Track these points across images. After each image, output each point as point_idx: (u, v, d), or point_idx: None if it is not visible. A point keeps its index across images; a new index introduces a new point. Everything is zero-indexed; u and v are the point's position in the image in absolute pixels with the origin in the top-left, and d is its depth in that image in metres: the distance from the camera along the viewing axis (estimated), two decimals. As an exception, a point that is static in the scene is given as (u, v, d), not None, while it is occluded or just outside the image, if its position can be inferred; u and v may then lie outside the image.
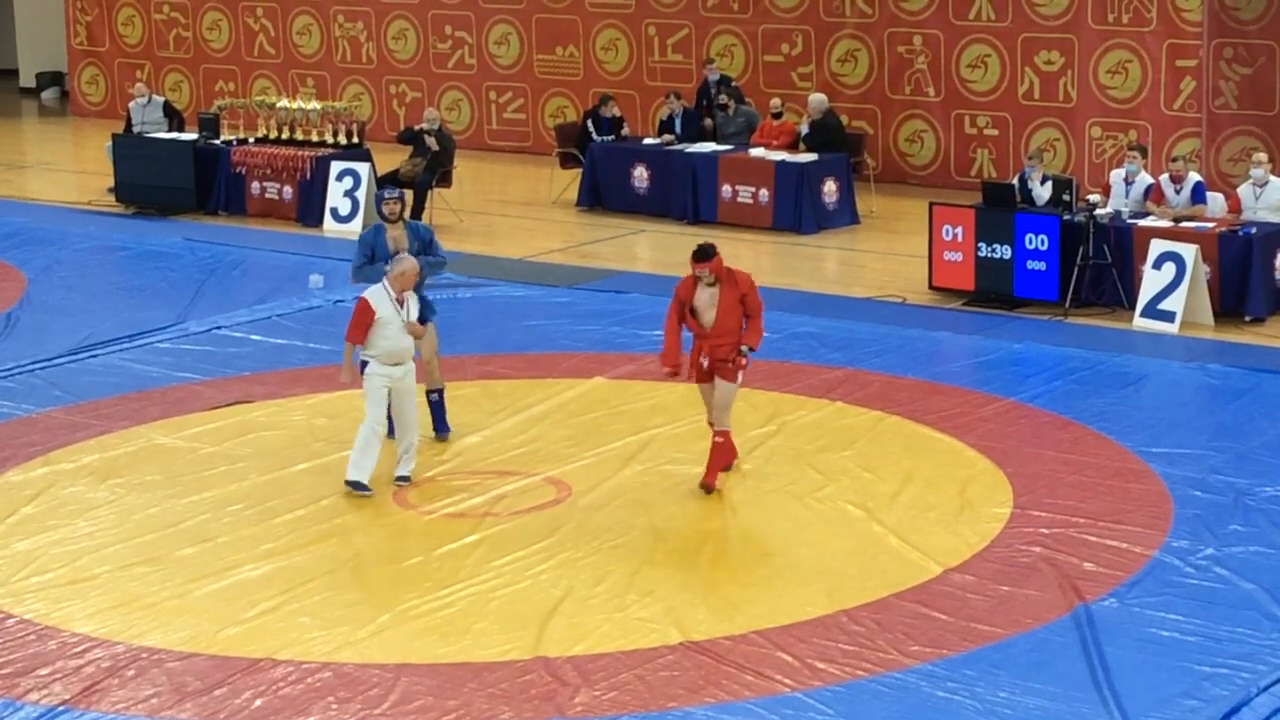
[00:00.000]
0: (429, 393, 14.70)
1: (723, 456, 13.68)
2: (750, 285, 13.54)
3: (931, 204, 19.62)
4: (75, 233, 22.87)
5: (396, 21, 28.63)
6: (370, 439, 13.55)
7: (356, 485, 13.54)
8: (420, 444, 14.58)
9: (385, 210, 14.59)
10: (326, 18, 29.22)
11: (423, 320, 14.25)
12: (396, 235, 14.54)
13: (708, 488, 13.52)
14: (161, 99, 25.88)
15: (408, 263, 13.71)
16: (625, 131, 24.16)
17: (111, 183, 24.63)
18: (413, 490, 13.70)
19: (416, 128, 23.12)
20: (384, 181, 22.76)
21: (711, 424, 13.74)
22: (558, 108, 27.38)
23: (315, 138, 23.78)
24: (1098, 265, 18.44)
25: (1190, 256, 17.80)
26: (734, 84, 24.57)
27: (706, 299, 13.50)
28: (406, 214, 15.04)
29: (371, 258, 14.52)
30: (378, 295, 13.57)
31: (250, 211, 23.69)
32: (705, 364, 13.59)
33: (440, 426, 14.74)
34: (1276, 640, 10.93)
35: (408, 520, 13.21)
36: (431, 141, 22.67)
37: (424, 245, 14.60)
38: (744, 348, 13.53)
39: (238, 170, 23.75)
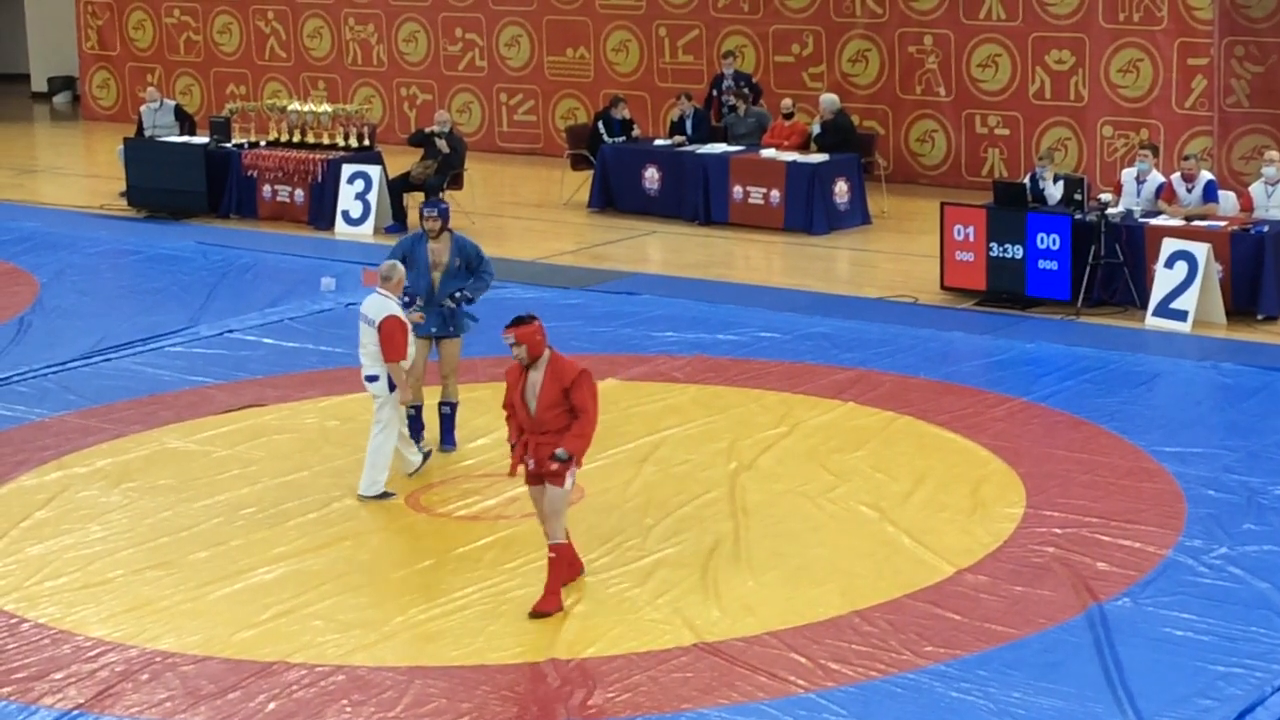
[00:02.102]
0: (441, 404, 14.68)
1: (561, 572, 11.57)
2: (578, 379, 11.42)
3: (943, 204, 19.61)
4: (87, 237, 22.90)
5: (407, 24, 28.65)
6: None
7: (382, 495, 13.62)
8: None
9: (425, 226, 14.45)
10: (337, 21, 29.24)
11: (457, 332, 14.51)
12: (437, 248, 14.42)
13: (543, 614, 11.43)
14: (173, 103, 25.93)
15: (400, 270, 13.74)
16: (636, 133, 24.16)
17: (123, 187, 24.66)
18: (426, 493, 13.71)
19: (427, 130, 23.13)
20: (396, 185, 22.81)
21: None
22: (568, 109, 27.38)
23: (326, 140, 23.80)
24: (1109, 264, 18.42)
25: (1202, 255, 17.78)
26: (754, 81, 24.55)
27: (529, 387, 11.49)
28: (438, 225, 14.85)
29: (404, 263, 14.47)
30: (396, 306, 13.59)
31: (262, 215, 23.72)
32: (530, 465, 11.57)
33: (447, 439, 14.70)
34: (1290, 639, 10.94)
35: (421, 523, 13.21)
36: (442, 144, 22.68)
37: (467, 260, 14.46)
38: (558, 452, 11.39)
39: (249, 173, 23.78)
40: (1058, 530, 12.67)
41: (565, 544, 11.66)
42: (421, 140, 23.02)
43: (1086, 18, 23.31)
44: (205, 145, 24.19)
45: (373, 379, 13.64)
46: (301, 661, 10.88)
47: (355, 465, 14.15)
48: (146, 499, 13.69)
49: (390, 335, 13.38)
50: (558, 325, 18.12)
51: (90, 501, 13.67)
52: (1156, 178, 19.14)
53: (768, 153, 22.75)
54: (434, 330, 14.53)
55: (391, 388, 13.56)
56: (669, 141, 23.74)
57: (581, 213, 23.75)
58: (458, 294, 14.45)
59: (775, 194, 22.41)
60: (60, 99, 34.75)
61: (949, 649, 10.87)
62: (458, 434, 14.73)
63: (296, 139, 23.90)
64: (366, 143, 23.74)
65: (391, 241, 22.09)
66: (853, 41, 25.05)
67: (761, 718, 10.09)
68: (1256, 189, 18.79)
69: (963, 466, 14.07)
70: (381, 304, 13.57)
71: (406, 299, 14.24)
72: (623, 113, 24.02)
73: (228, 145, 24.12)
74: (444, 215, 14.55)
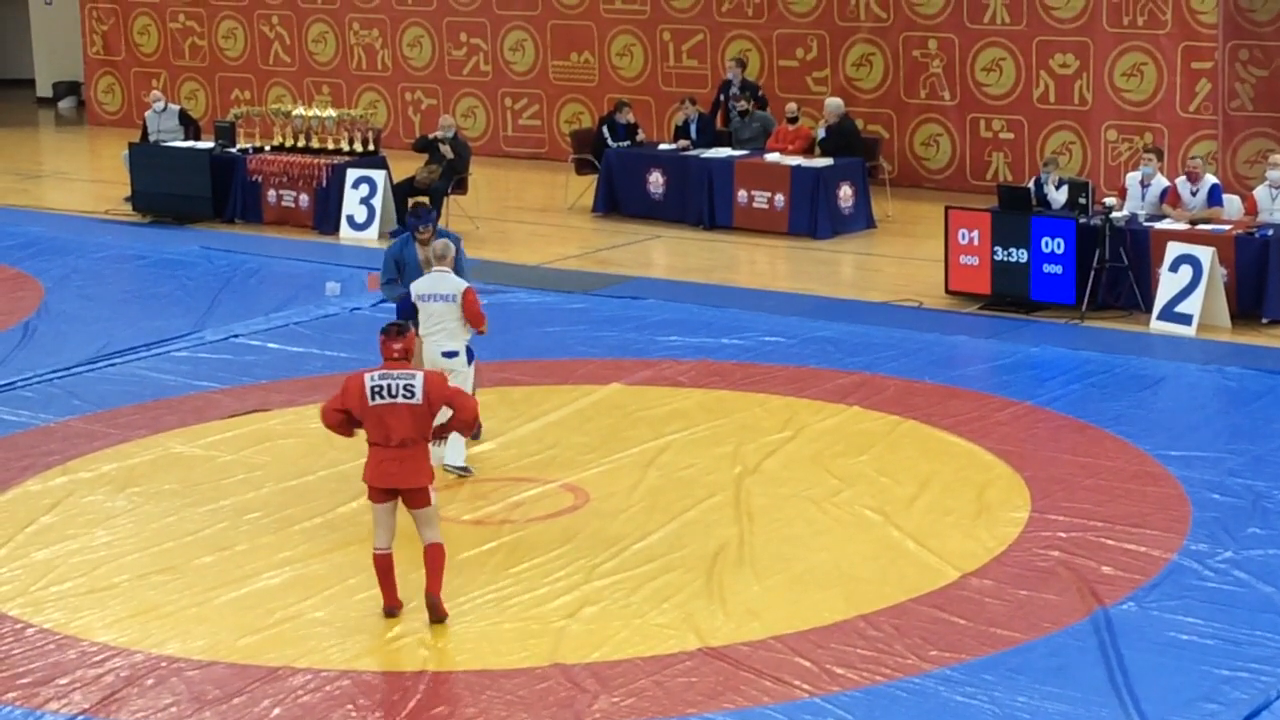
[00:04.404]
0: None
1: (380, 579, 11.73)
2: None
3: (947, 208, 19.60)
4: (92, 242, 22.91)
5: (411, 29, 28.66)
6: None
7: (464, 470, 14.11)
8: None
9: (419, 239, 14.52)
10: (342, 25, 29.26)
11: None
12: (426, 247, 14.39)
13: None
14: (178, 107, 25.94)
15: (453, 247, 14.10)
16: (641, 137, 24.16)
17: (128, 192, 24.67)
18: (430, 497, 13.71)
19: (431, 136, 23.15)
20: (401, 190, 22.79)
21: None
22: (573, 114, 27.39)
23: (331, 145, 23.80)
24: (1114, 268, 18.42)
25: (1207, 259, 17.78)
26: (760, 92, 24.52)
27: None
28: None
29: (399, 268, 14.62)
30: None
31: (266, 219, 23.72)
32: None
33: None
34: (1296, 643, 10.93)
35: (425, 527, 13.21)
36: (446, 149, 22.69)
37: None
38: None
39: (254, 178, 23.79)
40: (1063, 534, 12.67)
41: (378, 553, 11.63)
42: (425, 146, 23.04)
43: (1090, 22, 23.31)
44: (210, 150, 24.21)
45: (452, 354, 13.88)
46: (307, 666, 10.88)
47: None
48: (151, 504, 13.70)
49: (476, 303, 13.87)
50: (562, 330, 18.20)
51: (95, 506, 13.68)
52: (1161, 181, 19.14)
53: (772, 157, 22.76)
54: None
55: (469, 359, 13.89)
56: (673, 146, 23.74)
57: (586, 217, 23.75)
58: None
59: (780, 198, 22.41)
60: (65, 104, 34.78)
61: (954, 653, 10.86)
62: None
63: (301, 144, 23.91)
64: (371, 147, 23.74)
65: (395, 246, 22.23)
66: (857, 45, 25.05)
67: (766, 722, 10.10)
68: (1261, 192, 18.78)
69: (967, 470, 14.06)
70: (451, 279, 13.91)
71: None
72: (627, 117, 24.02)
73: (232, 150, 24.13)
74: (434, 224, 14.72)
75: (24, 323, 19.02)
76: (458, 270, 14.44)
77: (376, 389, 11.39)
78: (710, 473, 14.10)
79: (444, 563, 11.57)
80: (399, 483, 11.43)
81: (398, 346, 11.56)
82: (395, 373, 11.44)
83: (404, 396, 11.36)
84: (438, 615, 11.47)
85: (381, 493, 11.51)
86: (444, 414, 11.65)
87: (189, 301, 19.81)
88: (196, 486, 14.04)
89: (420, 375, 11.48)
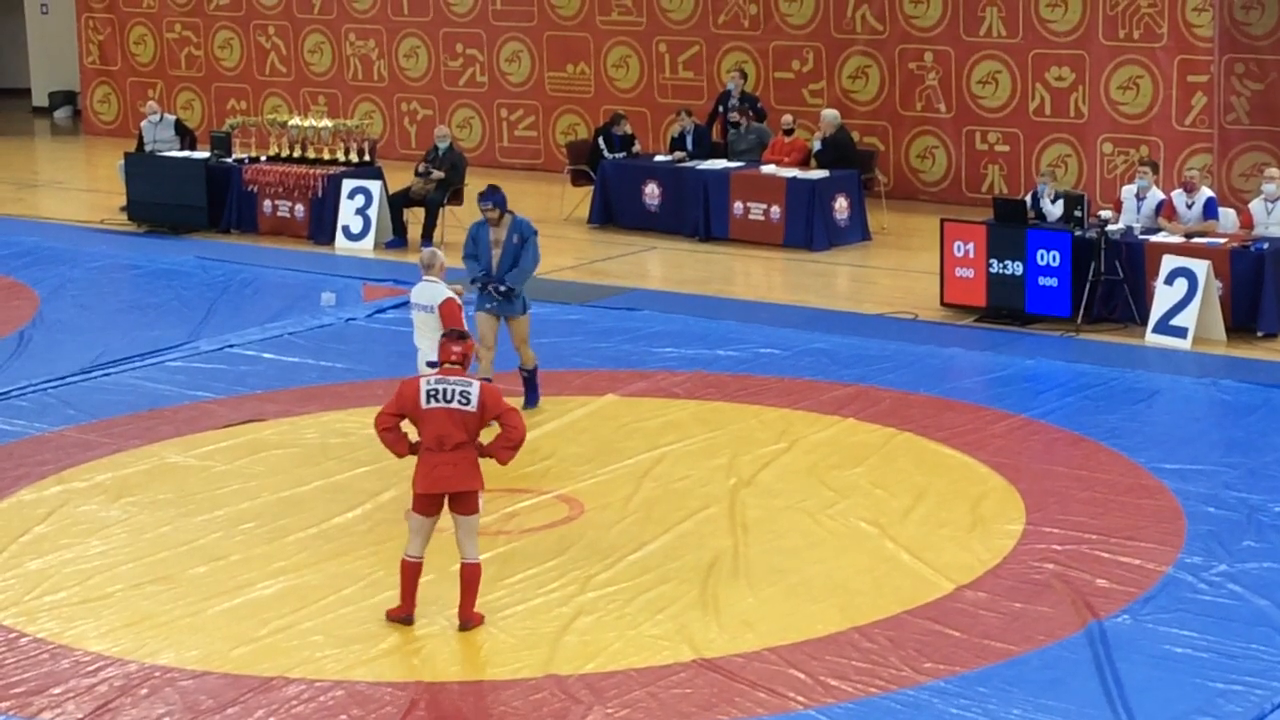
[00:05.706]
0: (521, 371, 15.69)
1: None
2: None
3: (943, 220, 19.62)
4: (87, 251, 22.90)
5: (408, 39, 28.67)
6: None
7: None
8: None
9: (485, 217, 15.47)
10: (338, 36, 29.26)
11: (522, 310, 15.55)
12: (498, 230, 15.38)
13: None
14: (173, 117, 25.94)
15: (440, 256, 14.31)
16: (636, 148, 24.17)
17: (124, 201, 24.66)
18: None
19: (420, 169, 23.03)
20: (396, 200, 22.79)
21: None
22: (569, 125, 27.39)
23: (327, 156, 23.81)
24: (1109, 281, 18.43)
25: (1202, 272, 17.79)
26: (759, 105, 24.52)
27: None
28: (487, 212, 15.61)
29: (475, 244, 15.49)
30: (447, 289, 14.09)
31: (262, 230, 23.72)
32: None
33: (532, 400, 15.71)
34: (1290, 656, 10.93)
35: (420, 538, 13.20)
36: (438, 173, 22.68)
37: (523, 238, 15.44)
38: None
39: (249, 188, 23.78)
40: (1057, 547, 12.67)
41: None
42: (424, 175, 23.01)
43: (1087, 35, 23.33)
44: (206, 160, 24.20)
45: (435, 364, 13.74)
46: (300, 676, 10.88)
47: (355, 480, 14.17)
48: (146, 514, 13.68)
49: (452, 316, 13.80)
50: (558, 341, 18.19)
51: (89, 516, 13.67)
52: (1156, 194, 19.14)
53: (768, 169, 22.76)
54: (490, 306, 15.45)
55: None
56: (669, 157, 23.75)
57: (582, 228, 23.76)
58: (501, 287, 15.36)
59: (775, 210, 22.42)
60: (61, 114, 34.77)
61: (948, 665, 10.86)
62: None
63: (297, 154, 23.91)
64: (367, 158, 23.76)
65: (392, 257, 22.25)
66: (853, 58, 25.07)
67: (761, 734, 10.10)
68: (1256, 206, 18.79)
69: (962, 483, 14.06)
70: (434, 289, 14.04)
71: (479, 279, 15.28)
72: (624, 129, 24.02)
73: (228, 160, 24.12)
74: (500, 204, 15.39)
75: (19, 332, 19.01)
76: (524, 262, 15.28)
77: (432, 392, 11.40)
78: (705, 484, 14.10)
79: (479, 583, 11.56)
80: (451, 485, 11.37)
81: (456, 350, 11.58)
82: (451, 379, 11.44)
83: (459, 403, 11.36)
84: (471, 626, 11.54)
85: (429, 501, 11.42)
86: (486, 433, 11.60)
87: (184, 311, 19.80)
88: (191, 496, 14.03)
89: (477, 384, 11.46)
